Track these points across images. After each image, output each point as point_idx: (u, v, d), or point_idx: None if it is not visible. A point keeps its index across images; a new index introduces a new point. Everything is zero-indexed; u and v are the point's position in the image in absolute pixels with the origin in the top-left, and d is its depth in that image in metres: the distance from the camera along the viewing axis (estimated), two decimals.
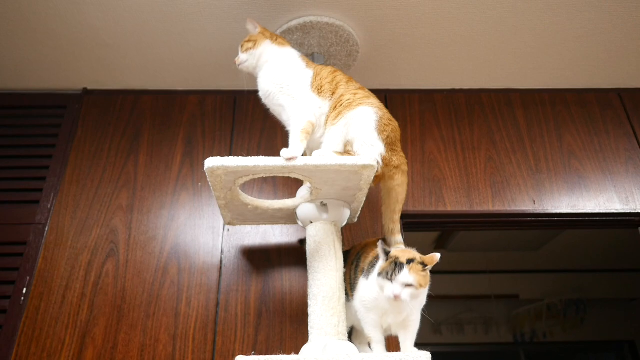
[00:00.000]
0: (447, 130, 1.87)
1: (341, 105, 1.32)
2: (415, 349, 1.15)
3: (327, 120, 1.34)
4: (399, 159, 1.34)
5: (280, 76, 1.38)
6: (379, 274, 1.12)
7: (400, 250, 1.16)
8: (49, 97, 1.93)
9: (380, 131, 1.29)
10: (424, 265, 1.09)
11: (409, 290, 1.07)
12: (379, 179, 1.34)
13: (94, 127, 1.86)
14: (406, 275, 1.07)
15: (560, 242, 3.46)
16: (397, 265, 1.09)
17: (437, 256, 1.11)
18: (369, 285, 1.18)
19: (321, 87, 1.37)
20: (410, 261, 1.09)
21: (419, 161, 1.80)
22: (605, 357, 3.93)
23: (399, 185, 1.34)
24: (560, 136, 1.88)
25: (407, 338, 1.15)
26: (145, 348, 1.46)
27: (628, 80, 1.97)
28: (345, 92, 1.35)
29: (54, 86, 1.93)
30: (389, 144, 1.31)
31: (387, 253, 1.14)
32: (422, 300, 1.16)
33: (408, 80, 1.95)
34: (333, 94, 1.36)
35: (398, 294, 1.06)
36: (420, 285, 1.08)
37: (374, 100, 1.36)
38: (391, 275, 1.08)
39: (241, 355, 1.09)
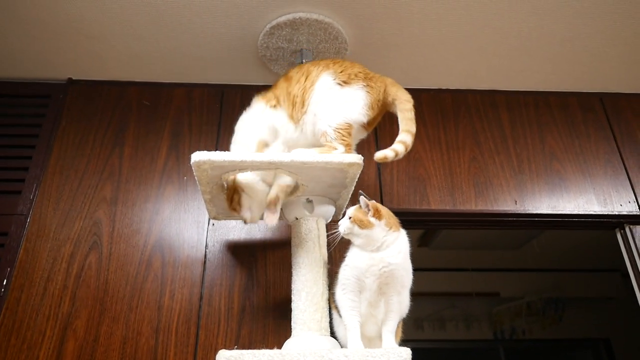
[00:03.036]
0: (432, 130, 1.90)
1: (296, 101, 1.35)
2: (396, 344, 1.17)
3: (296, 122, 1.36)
4: (381, 84, 1.37)
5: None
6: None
7: (381, 205, 1.25)
8: (33, 86, 1.90)
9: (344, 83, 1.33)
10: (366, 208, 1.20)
11: (347, 222, 1.20)
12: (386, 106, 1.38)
13: (79, 118, 1.84)
14: (350, 210, 1.22)
15: (541, 241, 3.53)
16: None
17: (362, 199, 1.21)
18: (346, 263, 1.23)
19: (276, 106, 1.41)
20: (365, 204, 1.21)
21: (405, 159, 1.81)
22: (581, 354, 4.03)
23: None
24: (543, 138, 1.92)
25: (387, 330, 1.17)
26: (128, 341, 1.46)
27: (609, 84, 2.01)
28: (293, 86, 1.37)
29: (38, 75, 1.90)
30: (366, 87, 1.34)
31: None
32: (402, 281, 1.20)
33: (395, 79, 1.93)
34: (284, 101, 1.39)
35: (340, 223, 1.22)
36: (354, 221, 1.19)
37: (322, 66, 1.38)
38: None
39: (224, 350, 1.10)
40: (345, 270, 1.22)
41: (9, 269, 1.55)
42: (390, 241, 1.20)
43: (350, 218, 1.20)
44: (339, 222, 1.23)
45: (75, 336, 1.46)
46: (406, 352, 1.09)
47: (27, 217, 1.64)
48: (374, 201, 1.23)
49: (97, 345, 1.45)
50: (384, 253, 1.19)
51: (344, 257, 1.25)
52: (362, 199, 1.21)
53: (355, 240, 1.21)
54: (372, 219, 1.19)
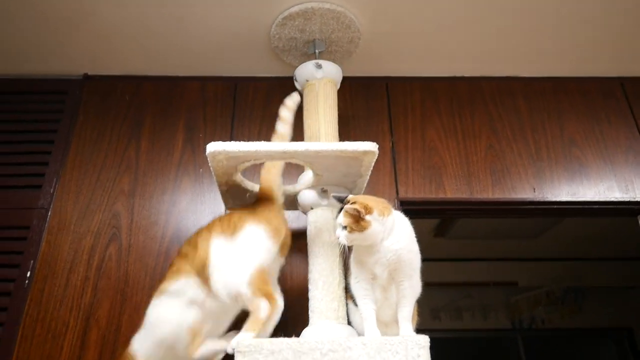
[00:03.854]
0: (447, 118, 1.87)
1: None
2: (413, 331, 1.17)
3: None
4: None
5: None
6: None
7: (361, 196, 1.20)
8: (50, 82, 1.93)
9: None
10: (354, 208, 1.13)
11: (344, 233, 1.13)
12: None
13: (95, 113, 1.87)
14: (340, 216, 1.14)
15: (560, 230, 3.48)
16: (340, 210, 1.16)
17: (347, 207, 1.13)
18: (354, 255, 1.22)
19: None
20: (350, 203, 1.14)
21: (420, 148, 1.80)
22: (603, 343, 3.97)
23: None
24: (562, 124, 1.88)
25: (403, 318, 1.17)
26: None
27: (631, 69, 1.96)
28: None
29: (54, 71, 1.93)
30: None
31: (341, 200, 1.18)
32: (411, 264, 1.19)
33: (409, 68, 1.94)
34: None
35: (337, 235, 1.14)
36: (352, 229, 1.12)
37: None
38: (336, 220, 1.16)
39: (242, 339, 1.11)
40: (355, 262, 1.22)
41: (32, 261, 1.59)
42: (390, 227, 1.17)
43: (346, 228, 1.14)
44: (336, 233, 1.16)
45: (98, 325, 1.49)
46: (424, 340, 1.09)
47: (48, 211, 1.67)
48: (352, 197, 1.18)
49: (119, 335, 1.48)
50: (387, 242, 1.16)
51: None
52: (348, 206, 1.12)
53: (362, 243, 1.16)
54: (367, 217, 1.13)
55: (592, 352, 3.94)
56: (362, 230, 1.13)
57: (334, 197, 1.19)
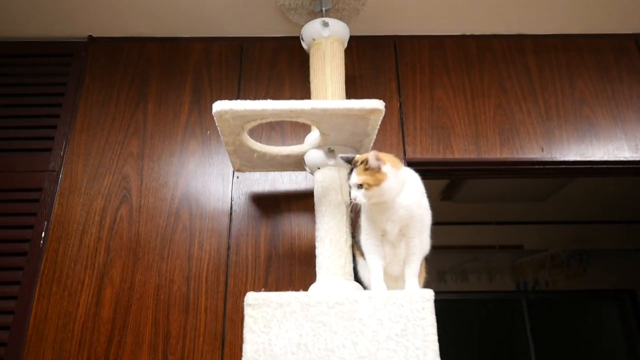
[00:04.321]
0: (456, 77, 1.85)
1: None
2: (419, 287, 1.19)
3: None
4: None
5: None
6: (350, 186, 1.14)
7: (367, 154, 1.16)
8: (55, 45, 1.92)
9: None
10: (364, 163, 1.13)
11: (361, 192, 1.11)
12: None
13: (102, 76, 1.86)
14: (354, 177, 1.12)
15: (566, 193, 3.47)
16: (351, 170, 1.14)
17: (370, 154, 1.13)
18: (365, 211, 1.21)
19: None
20: (357, 164, 1.14)
21: (428, 108, 1.79)
22: (605, 305, 4.03)
23: None
24: (572, 83, 1.85)
25: (410, 273, 1.19)
26: (161, 288, 1.53)
27: None
28: None
29: (59, 34, 1.91)
30: None
31: (347, 160, 1.17)
32: (422, 220, 1.19)
33: (418, 26, 1.90)
34: None
35: (354, 197, 1.12)
36: (369, 185, 1.11)
37: None
38: (349, 181, 1.14)
39: (252, 292, 1.14)
40: (365, 219, 1.23)
41: (45, 222, 1.62)
42: (401, 182, 1.16)
43: (362, 186, 1.11)
44: (352, 195, 1.13)
45: (112, 284, 1.54)
46: (429, 294, 1.11)
47: (59, 173, 1.70)
48: (359, 156, 1.17)
49: (133, 292, 1.53)
50: (399, 197, 1.16)
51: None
52: (370, 154, 1.11)
53: (380, 199, 1.14)
54: (384, 169, 1.11)
55: (594, 314, 4.00)
56: (379, 184, 1.11)
57: (342, 157, 1.19)
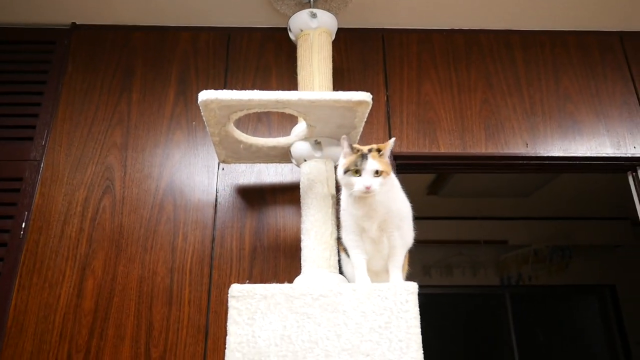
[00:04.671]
0: (444, 72, 1.85)
1: None
2: (403, 279, 1.20)
3: None
4: None
5: None
6: (345, 172, 1.10)
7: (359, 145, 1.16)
8: (37, 32, 1.87)
9: None
10: (379, 151, 1.11)
11: (378, 179, 1.08)
12: None
13: (85, 64, 1.82)
14: (372, 162, 1.07)
15: (551, 189, 3.52)
16: (362, 156, 1.09)
17: (390, 141, 1.13)
18: (343, 207, 1.20)
19: None
20: (370, 150, 1.11)
21: (414, 103, 1.79)
22: (586, 299, 4.11)
23: None
24: (558, 79, 1.86)
25: (393, 266, 1.19)
26: (144, 280, 1.51)
27: (631, 22, 1.92)
28: None
29: (41, 20, 1.87)
30: None
31: (351, 146, 1.13)
32: (400, 214, 1.19)
33: (406, 19, 1.89)
34: None
35: (369, 184, 1.07)
36: (387, 173, 1.09)
37: None
38: (360, 166, 1.08)
39: (236, 284, 1.13)
40: (344, 215, 1.22)
41: (26, 212, 1.59)
42: None
43: (378, 172, 1.07)
44: (364, 182, 1.08)
45: (94, 275, 1.52)
46: (413, 287, 1.12)
47: (41, 163, 1.66)
48: (392, 139, 1.15)
49: (115, 284, 1.51)
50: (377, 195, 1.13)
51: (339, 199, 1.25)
52: (392, 141, 1.10)
53: (386, 188, 1.12)
54: (387, 160, 1.11)
55: (575, 308, 4.07)
56: (390, 173, 1.11)
57: (347, 142, 1.13)
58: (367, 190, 1.07)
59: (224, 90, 1.17)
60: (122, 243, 1.56)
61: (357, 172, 1.09)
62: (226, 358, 1.06)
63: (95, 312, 1.47)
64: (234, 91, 1.18)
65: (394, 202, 1.19)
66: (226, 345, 1.07)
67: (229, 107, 1.20)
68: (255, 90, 1.18)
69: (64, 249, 1.55)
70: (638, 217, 1.78)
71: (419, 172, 1.24)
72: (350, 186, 1.11)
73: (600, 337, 3.99)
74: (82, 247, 1.55)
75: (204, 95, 1.17)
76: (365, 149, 1.12)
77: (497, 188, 3.53)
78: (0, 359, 1.41)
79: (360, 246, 1.21)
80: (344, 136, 1.14)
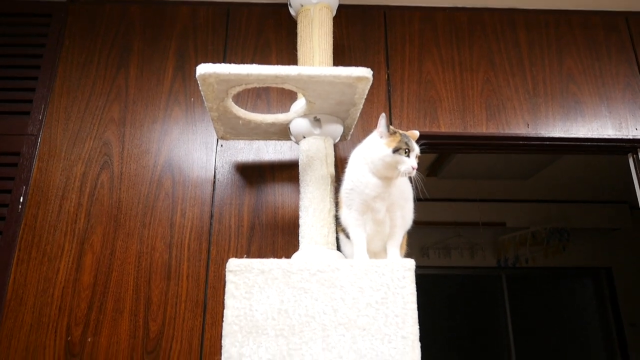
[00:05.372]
0: (446, 51, 1.83)
1: None
2: (401, 257, 1.20)
3: None
4: None
5: None
6: (395, 150, 1.13)
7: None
8: (33, 4, 1.84)
9: None
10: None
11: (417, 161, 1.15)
12: None
13: (82, 38, 1.80)
14: (416, 146, 1.16)
15: (550, 172, 3.51)
16: (406, 138, 1.15)
17: (415, 133, 1.22)
18: (351, 187, 1.21)
19: None
20: (406, 134, 1.18)
21: (416, 81, 1.77)
22: (582, 282, 4.15)
23: None
24: (561, 60, 1.84)
25: (392, 245, 1.20)
26: (142, 255, 1.52)
27: (637, 3, 1.89)
28: None
29: None
30: None
31: (388, 126, 1.18)
32: (405, 195, 1.22)
33: None
34: None
35: (416, 165, 1.14)
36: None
37: None
38: (411, 147, 1.14)
39: (234, 258, 1.14)
40: (351, 194, 1.21)
41: (24, 187, 1.59)
42: None
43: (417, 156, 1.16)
44: (413, 163, 1.13)
45: (93, 250, 1.52)
46: (410, 263, 1.12)
47: (38, 138, 1.65)
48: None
49: (114, 259, 1.51)
50: None
51: (344, 177, 1.25)
52: (417, 135, 1.19)
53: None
54: None
55: (571, 290, 4.12)
56: None
57: (386, 123, 1.16)
58: (413, 169, 1.13)
59: (223, 64, 1.16)
60: (120, 218, 1.56)
61: (407, 153, 1.13)
62: (224, 331, 1.07)
63: (94, 286, 1.48)
64: (233, 65, 1.16)
65: (405, 184, 1.21)
66: (223, 319, 1.08)
67: (227, 82, 1.18)
68: (254, 65, 1.17)
69: (63, 223, 1.55)
70: (636, 200, 1.78)
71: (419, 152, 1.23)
72: (399, 164, 1.13)
73: (595, 319, 4.04)
74: (80, 222, 1.55)
75: (202, 69, 1.15)
76: (402, 132, 1.18)
77: (496, 170, 3.53)
78: (1, 331, 1.43)
79: (362, 225, 1.21)
80: (382, 114, 1.16)
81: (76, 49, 1.78)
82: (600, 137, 1.74)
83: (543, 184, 3.73)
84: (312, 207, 1.31)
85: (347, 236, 1.26)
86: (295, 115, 1.39)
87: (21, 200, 1.57)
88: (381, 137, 1.17)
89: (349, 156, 1.28)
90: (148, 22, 1.83)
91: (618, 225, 3.99)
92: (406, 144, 1.13)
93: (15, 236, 1.53)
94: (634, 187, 1.79)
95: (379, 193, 1.17)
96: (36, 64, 1.75)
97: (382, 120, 1.16)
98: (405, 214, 1.23)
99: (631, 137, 1.74)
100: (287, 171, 1.63)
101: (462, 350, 3.86)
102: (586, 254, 4.05)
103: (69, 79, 1.73)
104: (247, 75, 1.16)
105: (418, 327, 1.07)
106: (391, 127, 1.18)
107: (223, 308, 1.09)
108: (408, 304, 1.08)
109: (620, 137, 1.75)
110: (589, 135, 1.74)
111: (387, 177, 1.16)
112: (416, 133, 1.22)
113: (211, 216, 1.57)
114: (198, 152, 1.66)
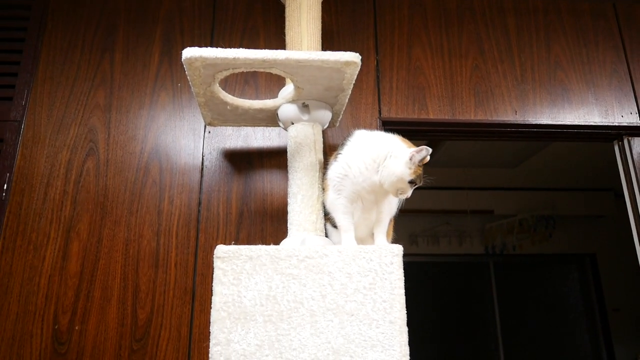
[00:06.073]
0: (435, 37, 1.82)
1: None
2: (388, 243, 1.21)
3: None
4: None
5: None
6: (411, 181, 1.14)
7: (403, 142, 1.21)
8: None
9: None
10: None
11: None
12: None
13: (65, 21, 1.75)
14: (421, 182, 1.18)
15: (537, 160, 3.55)
16: (421, 177, 1.16)
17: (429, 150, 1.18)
18: (344, 173, 1.20)
19: None
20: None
21: (405, 68, 1.76)
22: (566, 268, 4.22)
23: None
24: (549, 46, 1.84)
25: (379, 231, 1.20)
26: (130, 243, 1.51)
27: None
28: None
29: None
30: None
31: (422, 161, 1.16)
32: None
33: None
34: None
35: (408, 194, 1.18)
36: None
37: None
38: (415, 184, 1.16)
39: (222, 245, 1.13)
40: (344, 181, 1.21)
41: (8, 174, 1.56)
42: None
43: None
44: (409, 194, 1.16)
45: (79, 238, 1.51)
46: (397, 249, 1.13)
47: (21, 124, 1.62)
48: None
49: (101, 247, 1.50)
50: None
51: (337, 160, 1.24)
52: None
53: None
54: None
55: (556, 276, 4.19)
56: None
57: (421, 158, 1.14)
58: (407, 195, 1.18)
59: (209, 48, 1.14)
60: (107, 206, 1.55)
61: (413, 184, 1.16)
62: (212, 317, 1.06)
63: (81, 274, 1.47)
64: (219, 49, 1.14)
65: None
66: (212, 305, 1.07)
67: (214, 66, 1.17)
68: (242, 49, 1.15)
69: (48, 211, 1.53)
70: (621, 187, 1.80)
71: (407, 138, 1.23)
72: (402, 192, 1.16)
73: (579, 304, 4.12)
74: (66, 209, 1.53)
75: (188, 53, 1.14)
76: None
77: (484, 158, 3.55)
78: None
79: (350, 212, 1.21)
80: (430, 149, 1.13)
81: (59, 32, 1.74)
82: (587, 124, 1.76)
83: (530, 172, 3.77)
84: (301, 193, 1.30)
85: (333, 224, 1.26)
86: (284, 101, 1.37)
87: (5, 187, 1.55)
88: (411, 159, 1.14)
89: (339, 142, 1.27)
90: (132, 5, 1.79)
91: (603, 213, 4.05)
92: (420, 179, 1.16)
93: (0, 224, 1.51)
94: (619, 174, 1.81)
95: (374, 189, 1.19)
96: (18, 48, 1.71)
97: (426, 153, 1.13)
98: (391, 201, 1.24)
99: (617, 124, 1.76)
100: (276, 158, 1.62)
101: (450, 335, 3.92)
102: (571, 241, 4.11)
103: (52, 64, 1.70)
104: (234, 59, 1.14)
105: (405, 312, 1.08)
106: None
107: (212, 295, 1.09)
108: (396, 289, 1.09)
109: (606, 124, 1.76)
110: (576, 122, 1.76)
111: (385, 188, 1.17)
112: (429, 150, 1.16)
113: (199, 203, 1.56)
114: (185, 139, 1.64)
